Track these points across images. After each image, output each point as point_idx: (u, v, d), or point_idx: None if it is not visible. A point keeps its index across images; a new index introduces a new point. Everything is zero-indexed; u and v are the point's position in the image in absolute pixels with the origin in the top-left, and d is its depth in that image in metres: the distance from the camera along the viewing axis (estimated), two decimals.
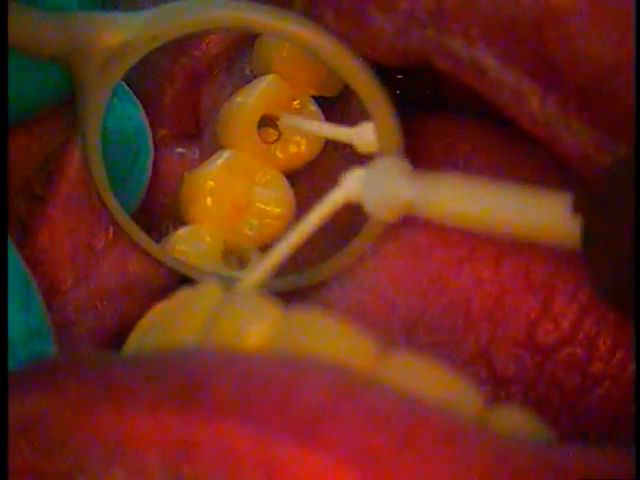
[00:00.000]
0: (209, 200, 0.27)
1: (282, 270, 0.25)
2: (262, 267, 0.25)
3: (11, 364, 0.21)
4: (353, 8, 0.23)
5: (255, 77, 0.28)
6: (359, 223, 0.26)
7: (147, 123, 0.27)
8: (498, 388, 0.24)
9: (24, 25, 0.23)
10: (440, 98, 0.26)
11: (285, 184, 0.28)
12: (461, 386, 0.20)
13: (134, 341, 0.23)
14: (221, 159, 0.27)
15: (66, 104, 0.25)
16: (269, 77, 0.28)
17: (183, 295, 0.22)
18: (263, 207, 0.28)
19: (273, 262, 0.25)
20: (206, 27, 0.24)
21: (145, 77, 0.24)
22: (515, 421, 0.20)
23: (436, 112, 0.27)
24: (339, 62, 0.24)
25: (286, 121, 0.28)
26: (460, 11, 0.21)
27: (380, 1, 0.22)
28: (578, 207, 0.20)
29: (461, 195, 0.22)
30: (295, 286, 0.26)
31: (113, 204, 0.26)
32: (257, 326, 0.20)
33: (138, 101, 0.27)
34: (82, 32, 0.24)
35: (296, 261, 0.27)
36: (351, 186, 0.24)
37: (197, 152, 0.29)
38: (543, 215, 0.21)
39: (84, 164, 0.25)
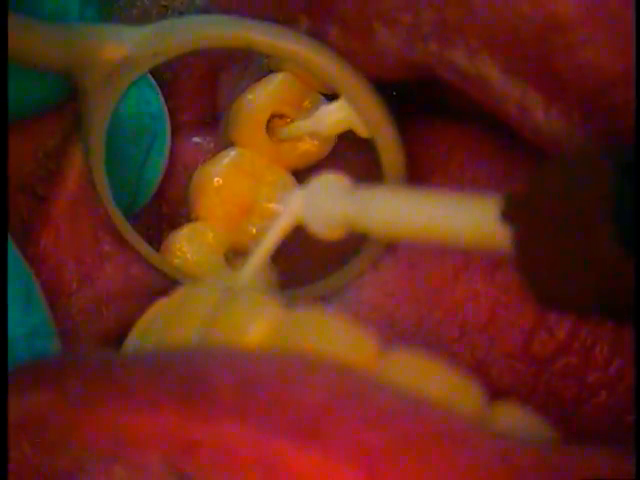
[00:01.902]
0: (215, 198, 0.27)
1: (283, 285, 0.25)
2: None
3: (12, 363, 0.21)
4: (358, 24, 0.23)
5: (271, 71, 0.28)
6: (359, 242, 0.26)
7: (165, 108, 0.27)
8: (494, 399, 0.24)
9: (27, 38, 0.23)
10: (438, 102, 0.26)
11: (292, 184, 0.28)
12: (462, 384, 0.20)
13: (134, 338, 0.23)
14: (229, 157, 0.27)
15: (65, 101, 0.25)
16: (281, 75, 0.28)
17: (183, 293, 0.22)
18: (269, 207, 0.28)
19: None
20: (209, 45, 0.25)
21: (166, 62, 0.24)
22: (516, 419, 0.20)
23: (433, 116, 0.27)
24: (342, 82, 0.24)
25: (284, 132, 0.28)
26: (462, 23, 0.21)
27: (384, 16, 0.22)
28: (507, 214, 0.20)
29: (397, 208, 0.22)
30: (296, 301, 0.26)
31: (116, 213, 0.26)
32: (257, 323, 0.20)
33: (157, 85, 0.27)
34: (85, 45, 0.24)
35: (298, 277, 0.27)
36: (294, 208, 0.24)
37: (212, 142, 0.28)
38: (475, 223, 0.21)
39: (87, 171, 0.25)
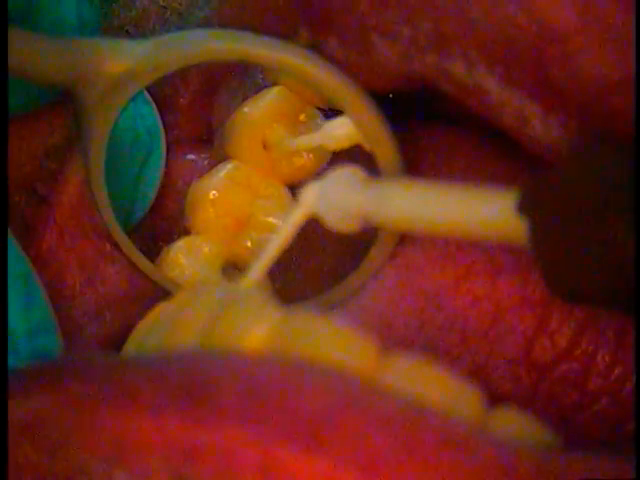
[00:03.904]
0: (211, 211, 0.27)
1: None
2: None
3: (14, 360, 0.21)
4: (357, 37, 0.23)
5: (266, 85, 0.28)
6: (352, 257, 0.26)
7: (160, 122, 0.27)
8: (495, 405, 0.24)
9: (26, 51, 0.23)
10: (437, 110, 0.26)
11: (288, 197, 0.28)
12: (462, 389, 0.20)
13: (134, 342, 0.23)
14: (225, 170, 0.28)
15: (63, 99, 0.25)
16: (276, 89, 0.28)
17: (184, 297, 0.22)
18: (265, 220, 0.28)
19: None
20: (208, 59, 0.25)
21: (165, 77, 0.25)
22: (516, 424, 0.20)
23: (433, 124, 0.27)
24: (341, 95, 0.24)
25: (278, 147, 0.28)
26: (459, 35, 0.21)
27: (383, 29, 0.22)
28: (523, 206, 0.21)
29: (412, 201, 0.23)
30: None
31: (115, 227, 0.26)
32: (257, 328, 0.20)
33: (152, 100, 0.27)
34: (84, 59, 0.24)
35: (294, 294, 0.27)
36: (308, 201, 0.24)
37: (207, 160, 0.29)
38: (491, 215, 0.21)
39: (86, 182, 0.25)
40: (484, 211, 0.21)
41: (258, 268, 0.25)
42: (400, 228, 0.24)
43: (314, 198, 0.24)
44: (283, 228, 0.24)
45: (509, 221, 0.21)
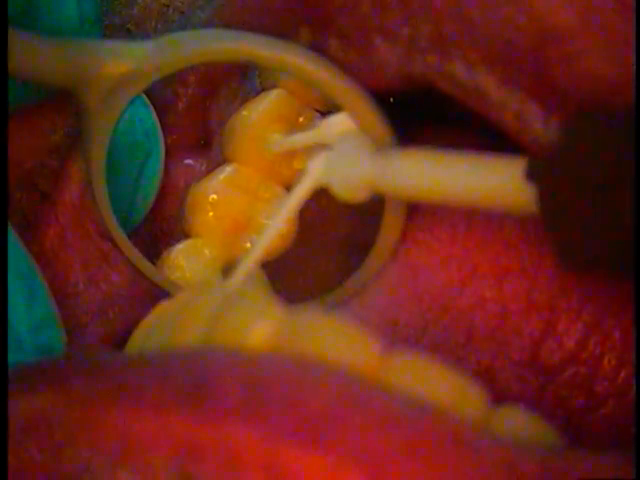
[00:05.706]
0: (210, 214, 0.27)
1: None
2: (245, 263, 0.25)
3: (18, 356, 0.21)
4: (357, 37, 0.23)
5: (264, 89, 0.28)
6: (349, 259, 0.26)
7: (159, 125, 0.27)
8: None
9: (27, 53, 0.23)
10: (438, 110, 0.26)
11: None
12: (466, 388, 0.20)
13: (137, 340, 0.22)
14: (224, 173, 0.28)
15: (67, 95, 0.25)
16: (275, 92, 0.28)
17: (186, 295, 0.22)
18: (265, 222, 0.27)
19: (255, 257, 0.25)
20: (209, 59, 0.25)
21: (159, 81, 0.24)
22: (520, 424, 0.20)
23: (434, 124, 0.27)
24: (343, 95, 0.24)
25: (277, 144, 0.28)
26: (459, 36, 0.21)
27: (383, 29, 0.23)
28: (532, 174, 0.21)
29: (421, 169, 0.23)
30: None
31: (116, 230, 0.26)
32: (260, 326, 0.20)
33: (150, 103, 0.27)
34: (85, 61, 0.24)
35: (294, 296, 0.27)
36: (317, 170, 0.24)
37: (204, 164, 0.28)
38: (501, 183, 0.21)
39: (87, 184, 0.25)
40: (492, 179, 0.22)
41: (271, 229, 0.25)
42: (408, 197, 0.24)
43: (322, 167, 0.24)
44: (292, 196, 0.24)
45: (517, 189, 0.21)
